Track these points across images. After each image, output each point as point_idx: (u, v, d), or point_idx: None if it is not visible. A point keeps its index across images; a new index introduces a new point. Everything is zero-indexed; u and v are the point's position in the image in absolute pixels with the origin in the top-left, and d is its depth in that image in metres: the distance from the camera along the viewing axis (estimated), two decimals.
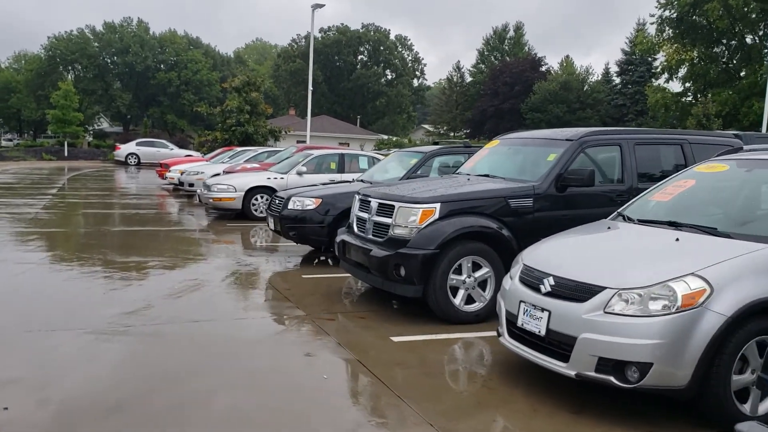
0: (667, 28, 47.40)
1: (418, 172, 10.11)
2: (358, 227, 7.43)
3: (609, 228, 5.35)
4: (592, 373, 4.26)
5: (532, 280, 4.85)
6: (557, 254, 5.04)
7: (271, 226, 10.29)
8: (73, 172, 33.58)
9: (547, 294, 4.62)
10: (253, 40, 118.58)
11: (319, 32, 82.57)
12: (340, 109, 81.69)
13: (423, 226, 6.48)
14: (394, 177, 10.16)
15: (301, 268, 9.65)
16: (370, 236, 7.04)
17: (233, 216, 15.58)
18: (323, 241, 9.60)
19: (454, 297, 6.53)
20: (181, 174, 20.84)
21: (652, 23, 48.24)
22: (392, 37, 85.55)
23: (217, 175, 19.29)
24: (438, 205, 6.52)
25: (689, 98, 50.27)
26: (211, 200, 15.12)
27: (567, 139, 7.20)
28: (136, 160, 41.83)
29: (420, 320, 6.66)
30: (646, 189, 7.19)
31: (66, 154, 46.65)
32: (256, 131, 31.38)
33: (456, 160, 10.49)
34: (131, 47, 70.38)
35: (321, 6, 30.48)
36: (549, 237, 5.53)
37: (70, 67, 70.80)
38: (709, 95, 45.71)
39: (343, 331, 6.31)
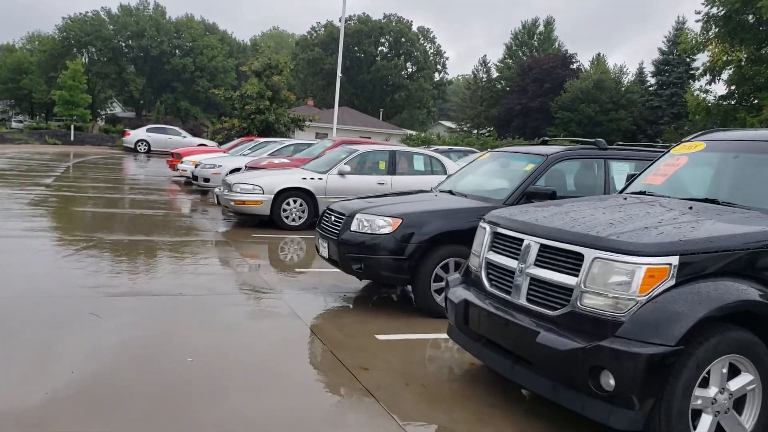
0: (713, 26, 44.15)
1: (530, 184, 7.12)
2: (494, 281, 4.44)
3: None
4: None
5: None
6: None
7: (324, 252, 7.29)
8: (76, 159, 30.78)
9: None
10: (270, 28, 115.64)
11: (340, 21, 79.68)
12: (358, 102, 78.96)
13: (647, 296, 3.51)
14: (498, 189, 7.19)
15: (364, 316, 6.67)
16: (524, 302, 4.07)
17: (256, 222, 12.67)
18: (402, 280, 6.64)
19: (695, 428, 3.57)
20: (195, 166, 17.92)
21: (697, 21, 44.99)
22: (414, 28, 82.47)
23: (238, 170, 16.43)
24: (675, 260, 3.54)
25: (733, 102, 47.10)
26: (232, 203, 12.16)
27: None
28: (146, 148, 38.98)
29: None
30: None
31: (72, 138, 43.87)
32: (278, 120, 28.26)
33: (575, 166, 7.50)
34: (147, 31, 68.22)
35: None
36: None
37: (84, 50, 68.36)
38: (756, 100, 42.63)
39: None
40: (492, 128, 70.42)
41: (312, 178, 12.31)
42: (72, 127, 44.64)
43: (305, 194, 12.23)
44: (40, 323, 5.72)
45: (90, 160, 30.06)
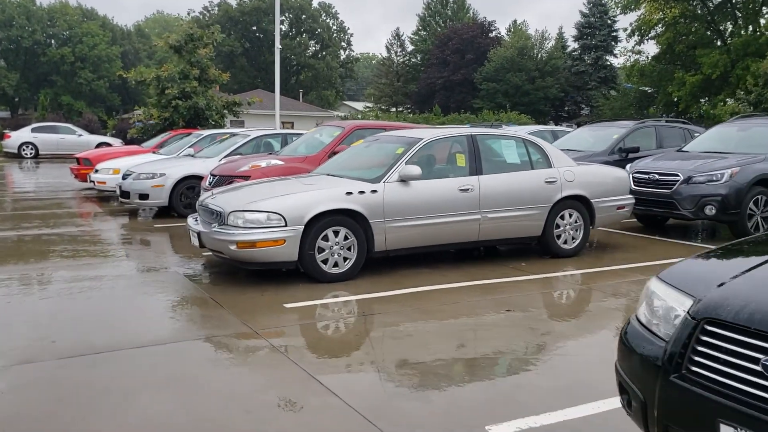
0: None
1: None
2: None
3: None
4: None
5: None
6: None
7: None
8: None
9: None
10: (154, 12, 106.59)
11: None
12: (263, 85, 72.91)
13: None
14: None
15: None
16: None
17: (254, 271, 7.50)
18: None
19: None
20: (124, 177, 12.34)
21: None
22: (315, 4, 77.26)
23: (191, 179, 11.18)
24: None
25: (663, 63, 44.91)
26: (232, 247, 6.88)
27: None
28: (33, 152, 32.07)
29: None
30: None
31: None
32: (209, 105, 22.42)
33: None
34: (15, 20, 60.35)
35: None
36: None
37: None
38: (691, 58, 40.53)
39: None
40: (410, 106, 66.40)
41: (361, 192, 7.26)
42: None
43: (352, 219, 7.21)
44: None
45: None
